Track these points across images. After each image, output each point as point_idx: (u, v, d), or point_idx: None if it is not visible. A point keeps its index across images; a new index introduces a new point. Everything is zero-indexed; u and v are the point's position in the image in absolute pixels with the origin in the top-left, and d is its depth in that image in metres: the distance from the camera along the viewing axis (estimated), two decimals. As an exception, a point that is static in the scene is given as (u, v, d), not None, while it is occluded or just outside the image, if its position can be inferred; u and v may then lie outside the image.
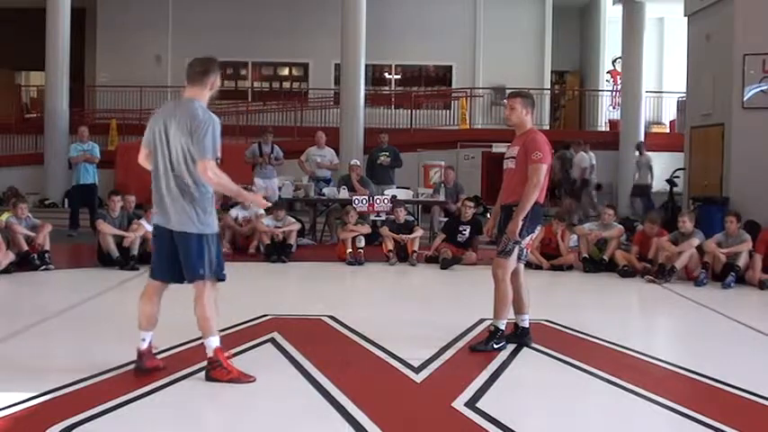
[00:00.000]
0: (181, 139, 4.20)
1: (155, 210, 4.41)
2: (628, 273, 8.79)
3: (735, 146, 11.16)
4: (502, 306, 5.14)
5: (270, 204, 4.66)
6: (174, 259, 4.32)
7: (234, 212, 10.56)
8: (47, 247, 8.78)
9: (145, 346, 4.41)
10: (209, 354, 4.31)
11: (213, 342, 4.31)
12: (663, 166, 15.49)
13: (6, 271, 8.17)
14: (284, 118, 19.08)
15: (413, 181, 15.12)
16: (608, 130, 19.49)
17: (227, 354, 4.39)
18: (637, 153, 15.57)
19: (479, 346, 5.15)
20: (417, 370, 4.62)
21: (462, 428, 3.72)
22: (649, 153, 15.42)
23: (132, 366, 4.44)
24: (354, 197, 11.17)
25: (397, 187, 12.84)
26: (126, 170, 15.83)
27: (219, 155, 4.25)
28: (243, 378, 4.31)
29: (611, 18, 19.82)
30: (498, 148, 15.02)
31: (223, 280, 4.40)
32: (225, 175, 4.29)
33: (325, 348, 5.15)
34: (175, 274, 4.36)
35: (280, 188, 12.26)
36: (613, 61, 20.50)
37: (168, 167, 4.26)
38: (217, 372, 4.28)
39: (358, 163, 12.60)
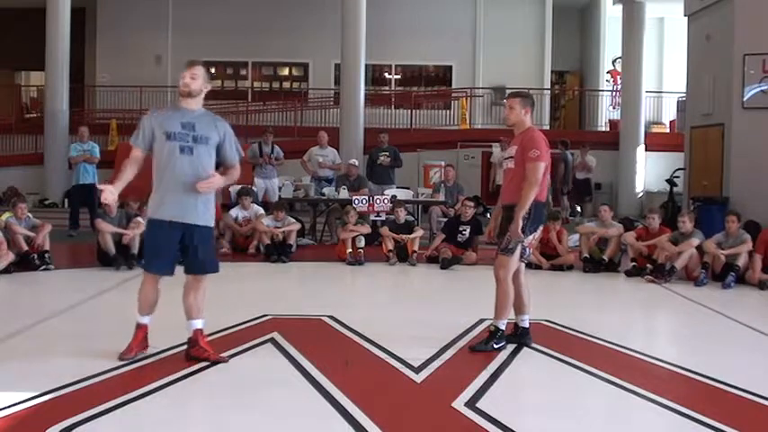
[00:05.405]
0: None
1: None
2: (633, 273, 8.79)
3: (735, 146, 11.16)
4: (503, 306, 5.14)
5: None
6: (184, 252, 4.63)
7: (234, 212, 10.55)
8: (46, 247, 8.78)
9: (196, 328, 4.70)
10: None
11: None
12: (663, 166, 15.47)
13: (6, 271, 8.17)
14: (284, 118, 19.06)
15: (413, 181, 15.12)
16: (608, 130, 19.48)
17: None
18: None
19: (479, 346, 5.15)
20: (417, 370, 4.62)
21: (462, 428, 3.72)
22: (648, 153, 15.39)
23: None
24: (354, 197, 11.17)
25: (397, 187, 12.84)
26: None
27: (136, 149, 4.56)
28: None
29: (611, 18, 19.80)
30: (498, 148, 14.99)
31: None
32: (125, 168, 4.58)
33: (325, 348, 5.15)
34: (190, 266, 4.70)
35: (280, 188, 12.27)
36: (613, 61, 20.47)
37: None
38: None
39: (351, 163, 12.52)
